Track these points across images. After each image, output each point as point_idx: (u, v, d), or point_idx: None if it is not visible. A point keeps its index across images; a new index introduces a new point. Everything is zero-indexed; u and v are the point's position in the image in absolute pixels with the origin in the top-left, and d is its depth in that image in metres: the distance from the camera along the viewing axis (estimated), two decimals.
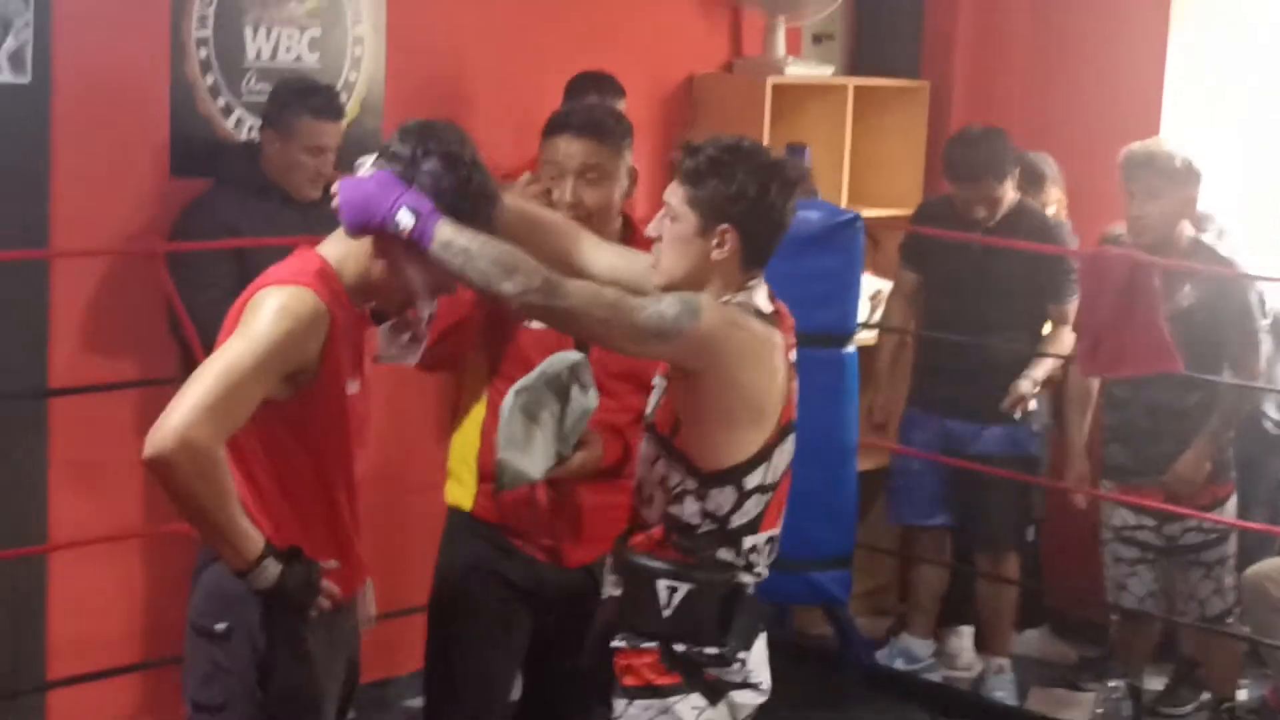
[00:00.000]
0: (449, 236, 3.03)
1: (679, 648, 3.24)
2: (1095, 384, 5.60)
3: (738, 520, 3.24)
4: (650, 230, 3.33)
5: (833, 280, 5.47)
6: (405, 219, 3.04)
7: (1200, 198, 5.32)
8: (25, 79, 4.57)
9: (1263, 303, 5.39)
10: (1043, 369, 5.75)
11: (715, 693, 3.25)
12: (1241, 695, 5.72)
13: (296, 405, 3.08)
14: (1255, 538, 5.51)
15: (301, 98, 4.77)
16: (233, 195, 4.80)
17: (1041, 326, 5.84)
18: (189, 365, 4.50)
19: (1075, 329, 5.53)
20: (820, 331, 5.44)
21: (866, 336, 6.08)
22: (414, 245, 3.05)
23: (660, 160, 5.19)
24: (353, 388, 3.17)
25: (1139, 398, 5.35)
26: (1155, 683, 5.89)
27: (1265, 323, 5.44)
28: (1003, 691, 5.94)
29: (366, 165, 3.16)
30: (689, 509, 3.24)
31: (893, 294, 6.12)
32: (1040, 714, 5.77)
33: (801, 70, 6.40)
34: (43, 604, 4.81)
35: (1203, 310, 5.24)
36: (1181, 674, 5.90)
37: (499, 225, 3.21)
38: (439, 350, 3.66)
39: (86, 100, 4.73)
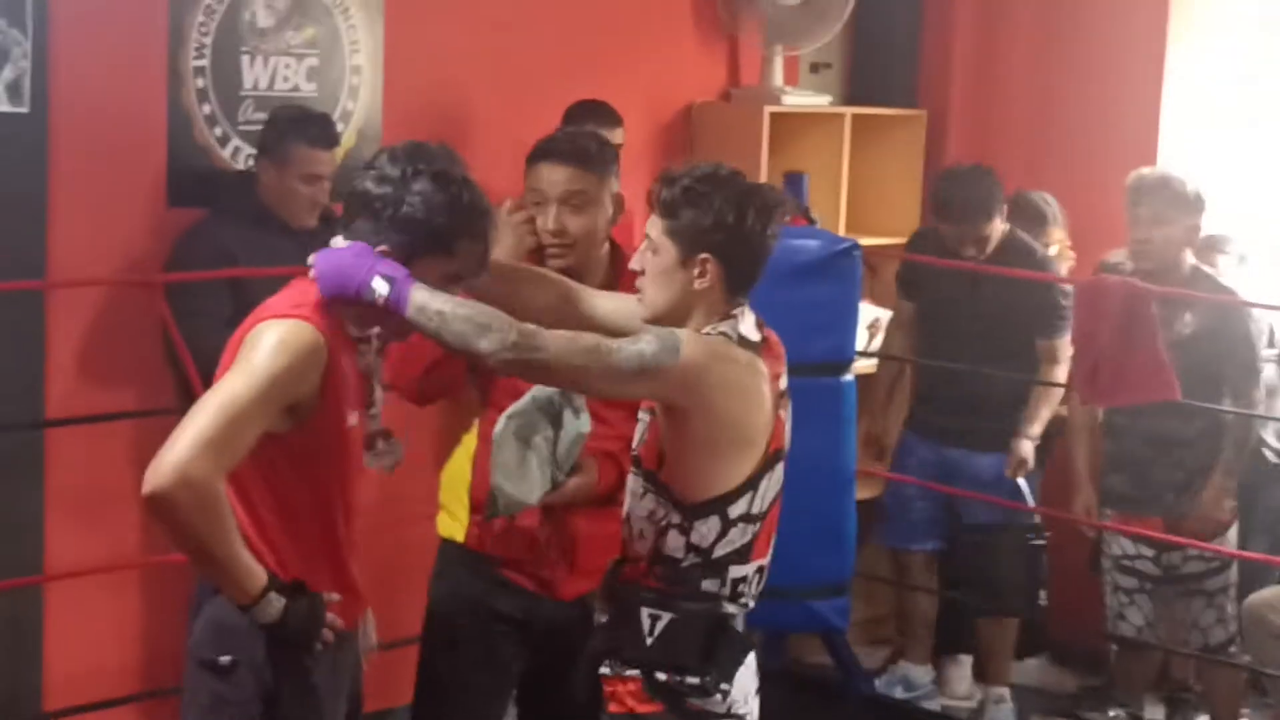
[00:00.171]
0: (423, 301, 3.03)
1: (661, 676, 3.24)
2: (1098, 412, 5.59)
3: (722, 550, 3.23)
4: (634, 264, 3.33)
5: (830, 308, 5.46)
6: (380, 286, 3.03)
7: (1203, 227, 5.33)
8: (23, 108, 4.58)
9: (1272, 332, 5.39)
10: (1039, 422, 5.76)
11: None
12: None
13: (296, 438, 3.07)
14: (1255, 566, 5.50)
15: (297, 126, 4.78)
16: (229, 224, 4.80)
17: (1033, 357, 5.83)
18: (186, 395, 4.51)
19: (1074, 357, 5.52)
20: (818, 360, 5.44)
21: (864, 365, 6.07)
22: (390, 312, 3.05)
23: None
24: (352, 419, 3.16)
25: (1139, 426, 5.35)
26: (1155, 712, 5.87)
27: (1273, 352, 5.44)
28: None
29: (339, 241, 3.15)
30: (673, 542, 3.24)
31: (892, 323, 6.13)
32: None
33: (799, 99, 6.41)
34: (39, 635, 4.80)
35: (1203, 339, 5.24)
36: (1177, 703, 5.88)
37: (494, 238, 3.22)
38: (430, 382, 3.65)
39: (84, 130, 4.74)
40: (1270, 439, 5.78)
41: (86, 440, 4.76)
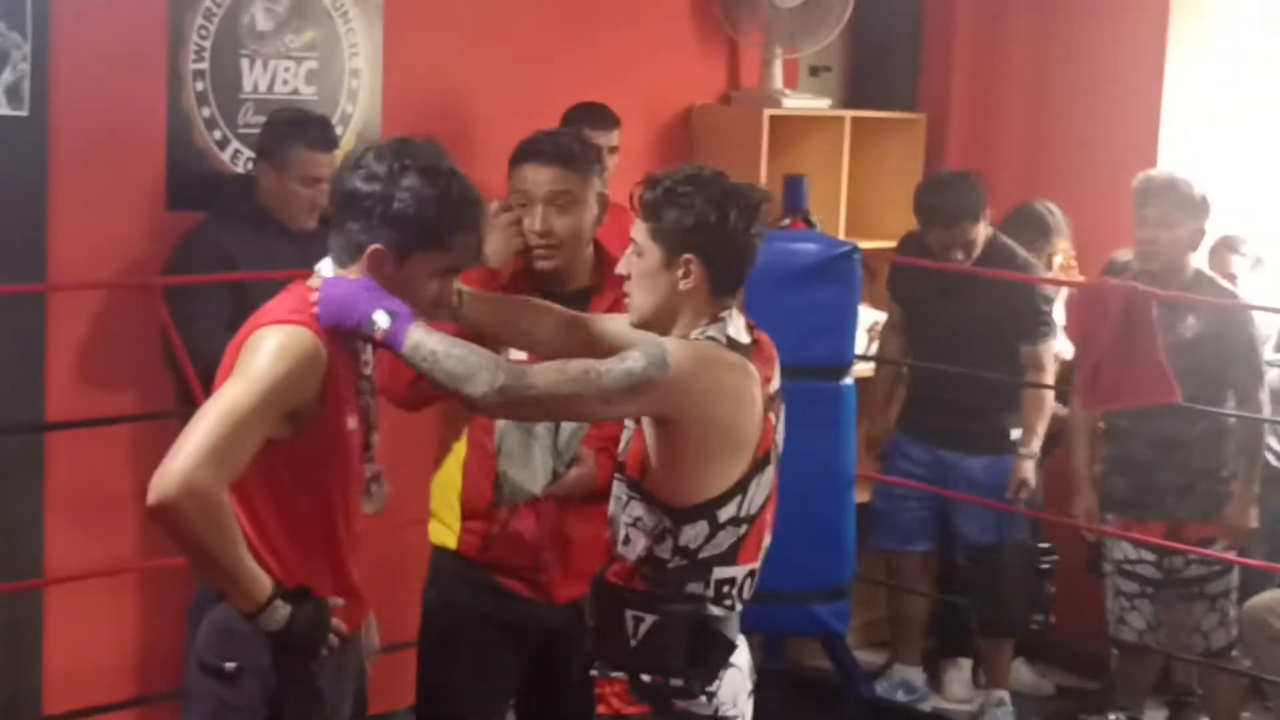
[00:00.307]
0: (418, 340, 3.03)
1: (645, 678, 3.24)
2: (1098, 415, 5.59)
3: (708, 553, 3.22)
4: (620, 268, 3.33)
5: (830, 312, 5.47)
6: (381, 320, 3.04)
7: (1207, 230, 5.34)
8: (23, 112, 4.58)
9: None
10: (1037, 437, 5.78)
11: None
12: None
13: (297, 443, 3.06)
14: (1256, 570, 5.49)
15: (296, 129, 4.78)
16: (229, 227, 4.80)
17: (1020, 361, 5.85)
18: (185, 398, 4.51)
19: (1074, 360, 5.53)
20: (818, 363, 5.45)
21: (863, 368, 6.07)
22: (386, 345, 3.06)
23: None
24: (351, 423, 3.15)
25: (1141, 430, 5.34)
26: (1156, 716, 5.87)
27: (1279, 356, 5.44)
28: None
29: (326, 267, 3.15)
30: (660, 545, 3.23)
31: (885, 326, 6.14)
32: None
33: (799, 102, 6.41)
34: (39, 638, 4.80)
35: (1207, 342, 5.24)
36: (1178, 706, 5.88)
37: (487, 228, 3.23)
38: (418, 390, 3.63)
39: (84, 133, 4.74)
40: (1272, 443, 5.78)
41: (86, 443, 4.76)
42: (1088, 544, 5.89)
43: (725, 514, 3.21)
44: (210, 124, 5.01)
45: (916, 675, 6.16)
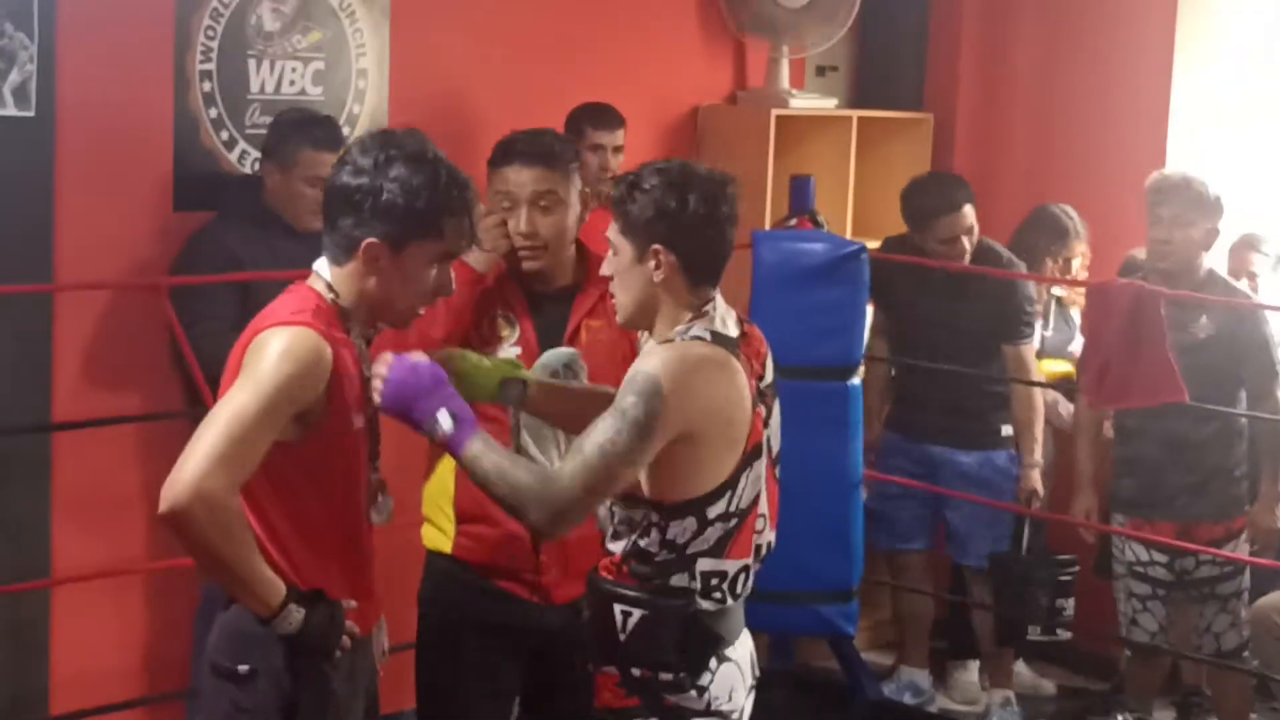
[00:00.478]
0: (476, 453, 3.12)
1: (635, 672, 3.25)
2: (1103, 415, 5.59)
3: (695, 547, 3.21)
4: (603, 270, 3.34)
5: (837, 312, 5.46)
6: (444, 423, 3.11)
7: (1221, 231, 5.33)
8: (30, 112, 4.59)
9: None
10: (1037, 443, 5.80)
11: (675, 718, 3.24)
12: None
13: (306, 445, 3.06)
14: (1265, 570, 5.48)
15: (302, 129, 4.78)
16: (235, 227, 4.80)
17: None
18: (192, 399, 4.52)
19: (1081, 359, 5.52)
20: (824, 364, 5.44)
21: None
22: (444, 446, 3.13)
23: None
24: (357, 422, 3.15)
25: (1152, 429, 5.32)
26: (1164, 716, 5.86)
27: None
28: None
29: (323, 266, 3.15)
30: (648, 539, 3.23)
31: (871, 328, 6.12)
32: None
33: (805, 102, 6.40)
34: (46, 638, 4.80)
35: (1220, 342, 5.23)
36: (1187, 707, 5.87)
37: (478, 211, 3.25)
38: None
39: (90, 134, 4.74)
40: None
41: (93, 443, 4.76)
42: (1095, 545, 5.88)
43: (715, 510, 3.21)
44: (217, 125, 5.02)
45: (923, 677, 6.15)
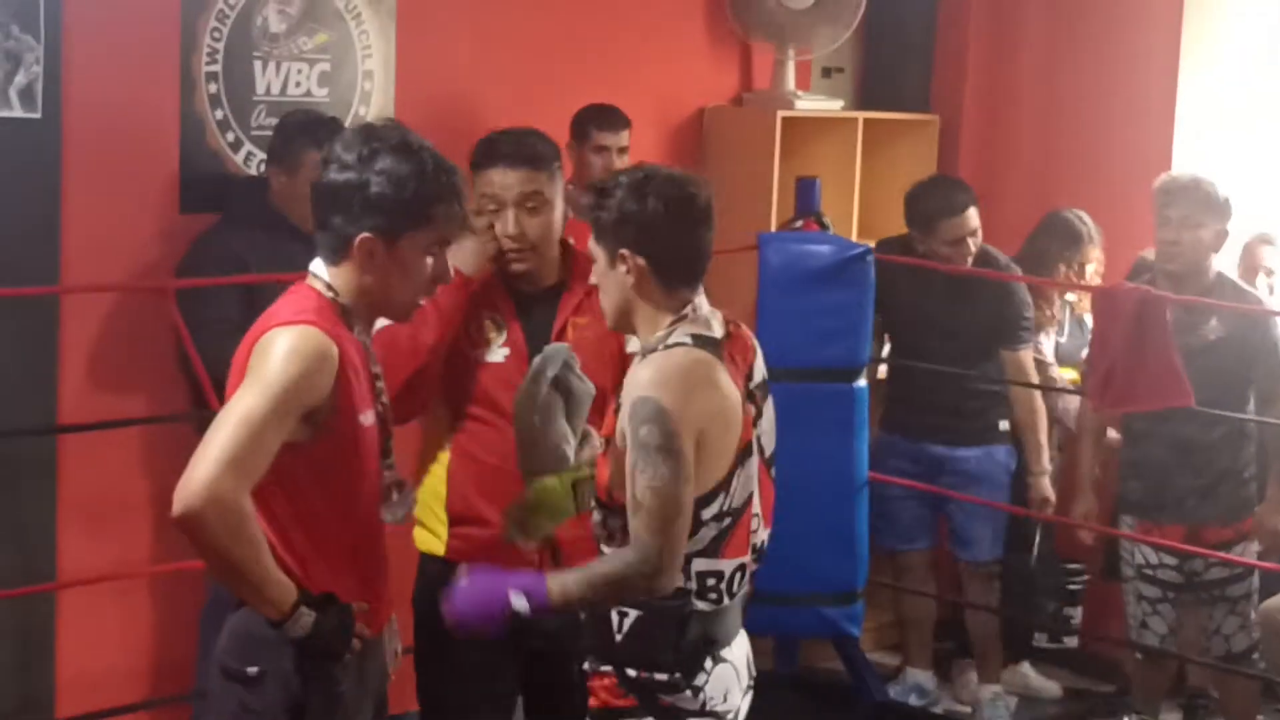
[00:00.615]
0: (560, 592, 3.15)
1: (631, 673, 3.26)
2: (1106, 418, 5.59)
3: (691, 548, 3.21)
4: (591, 279, 3.37)
5: (843, 314, 5.47)
6: (520, 603, 3.14)
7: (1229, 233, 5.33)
8: (36, 114, 4.58)
9: None
10: (1044, 450, 5.82)
11: (671, 718, 3.25)
12: None
13: (315, 445, 3.05)
14: (1275, 572, 5.46)
15: (307, 131, 4.77)
16: (241, 229, 4.80)
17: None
18: (198, 401, 4.51)
19: (1087, 363, 5.52)
20: (830, 365, 5.44)
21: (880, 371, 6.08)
22: (539, 612, 3.16)
23: None
24: (367, 419, 3.14)
25: (1161, 431, 5.30)
26: (1170, 719, 5.85)
27: None
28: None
29: (319, 267, 3.15)
30: None
31: None
32: None
33: (811, 104, 6.40)
34: (52, 641, 4.80)
35: (1229, 345, 5.22)
36: (1193, 710, 5.87)
37: (466, 194, 3.25)
38: (405, 402, 3.60)
39: (97, 135, 4.74)
40: None
41: (98, 446, 4.76)
42: (1099, 548, 5.88)
43: (709, 511, 3.21)
44: (223, 126, 5.01)
45: (928, 678, 6.15)
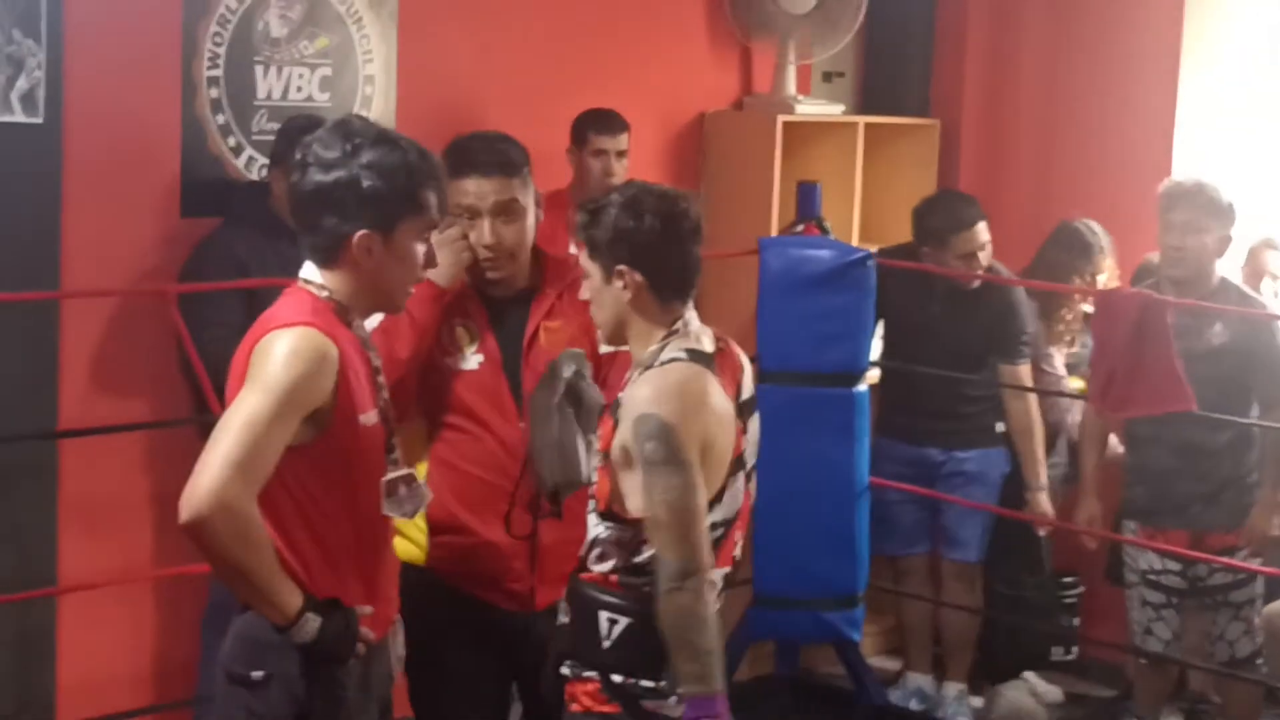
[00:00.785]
0: (688, 682, 3.14)
1: (617, 679, 3.28)
2: (1109, 423, 5.59)
3: None
4: (581, 295, 3.42)
5: (844, 319, 5.46)
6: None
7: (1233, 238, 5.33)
8: (37, 119, 4.58)
9: None
10: (1042, 466, 5.85)
11: None
12: None
13: (319, 447, 3.06)
14: (1277, 577, 5.47)
15: (307, 136, 4.76)
16: (242, 234, 4.79)
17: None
18: (200, 406, 4.51)
19: (1089, 368, 5.52)
20: (831, 370, 5.44)
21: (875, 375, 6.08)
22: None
23: None
24: (369, 419, 3.14)
25: (1164, 437, 5.30)
26: None
27: None
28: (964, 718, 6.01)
29: (310, 272, 3.14)
30: (644, 555, 3.27)
31: None
32: None
33: (812, 108, 6.40)
34: (52, 646, 4.79)
35: (1234, 349, 5.21)
36: (1195, 715, 5.86)
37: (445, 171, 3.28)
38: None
39: (98, 140, 4.73)
40: None
41: (99, 451, 4.75)
42: (1101, 552, 5.88)
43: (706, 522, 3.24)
44: (224, 131, 5.01)
45: (928, 683, 6.16)
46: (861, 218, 6.47)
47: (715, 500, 3.27)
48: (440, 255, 3.54)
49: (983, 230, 5.75)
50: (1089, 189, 6.51)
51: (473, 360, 3.74)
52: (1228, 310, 5.21)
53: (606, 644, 3.27)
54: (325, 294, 3.13)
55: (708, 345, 3.33)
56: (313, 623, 3.02)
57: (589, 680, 3.31)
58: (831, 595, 5.55)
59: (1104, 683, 6.25)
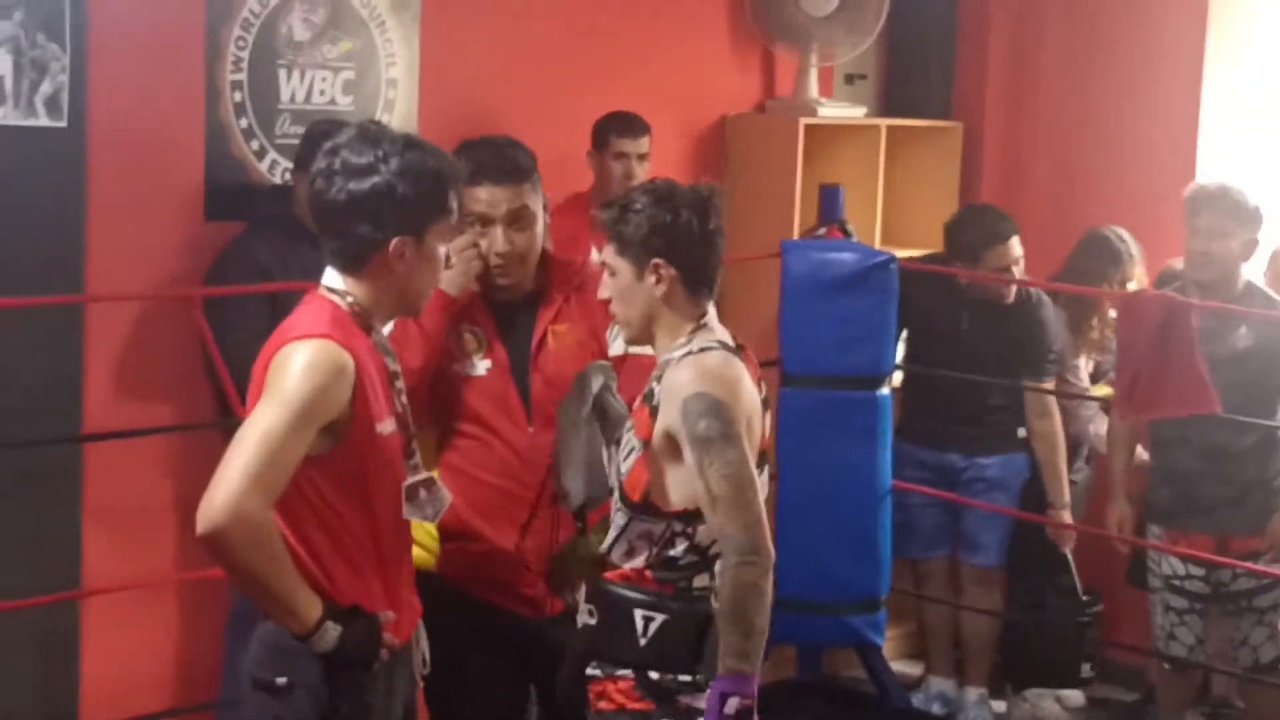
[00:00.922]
0: (736, 658, 3.13)
1: (653, 675, 3.30)
2: (1140, 426, 5.57)
3: (717, 548, 3.25)
4: (601, 293, 3.42)
5: (866, 322, 5.45)
6: (732, 705, 3.11)
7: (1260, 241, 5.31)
8: (61, 123, 4.59)
9: None
10: (1063, 483, 5.84)
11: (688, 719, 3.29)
12: None
13: (336, 456, 3.07)
14: None
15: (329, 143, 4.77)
16: (266, 237, 4.80)
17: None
18: (224, 410, 4.51)
19: (1114, 370, 5.51)
20: (854, 373, 5.43)
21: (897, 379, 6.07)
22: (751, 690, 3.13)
23: None
24: (386, 427, 3.15)
25: (1188, 439, 5.28)
26: None
27: None
28: None
29: (333, 278, 3.18)
30: (678, 548, 3.30)
31: None
32: None
33: (834, 111, 6.39)
34: (76, 649, 4.80)
35: (1259, 353, 5.19)
36: (1219, 718, 5.85)
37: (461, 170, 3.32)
38: None
39: (122, 144, 4.75)
40: None
41: (123, 454, 4.76)
42: (1127, 554, 5.86)
43: None
44: (248, 134, 5.02)
45: (950, 687, 6.15)
46: (884, 221, 6.45)
47: None
48: (451, 264, 3.56)
49: (1015, 245, 5.74)
50: (1112, 190, 6.49)
51: (481, 367, 3.75)
52: (1252, 314, 5.20)
53: (643, 641, 3.28)
54: (348, 301, 3.14)
55: (730, 341, 3.38)
56: (333, 631, 3.03)
57: (621, 678, 3.32)
58: (854, 599, 5.54)
59: (1127, 687, 6.23)
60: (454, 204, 3.19)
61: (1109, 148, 6.62)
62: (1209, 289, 5.19)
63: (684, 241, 3.32)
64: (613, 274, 3.37)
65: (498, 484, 3.73)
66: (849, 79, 6.85)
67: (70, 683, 4.80)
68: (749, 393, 3.29)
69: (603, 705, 3.34)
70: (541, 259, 3.82)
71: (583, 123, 5.65)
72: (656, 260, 3.31)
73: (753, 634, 3.14)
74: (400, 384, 3.26)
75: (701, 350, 3.29)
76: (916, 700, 6.09)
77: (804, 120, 6.18)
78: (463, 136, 5.33)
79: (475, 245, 3.69)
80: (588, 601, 3.41)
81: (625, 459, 3.35)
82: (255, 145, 5.04)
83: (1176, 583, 5.36)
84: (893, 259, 5.49)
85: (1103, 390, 5.99)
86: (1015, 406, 5.87)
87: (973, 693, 6.06)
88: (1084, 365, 6.06)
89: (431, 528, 3.79)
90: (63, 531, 4.73)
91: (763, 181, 6.17)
